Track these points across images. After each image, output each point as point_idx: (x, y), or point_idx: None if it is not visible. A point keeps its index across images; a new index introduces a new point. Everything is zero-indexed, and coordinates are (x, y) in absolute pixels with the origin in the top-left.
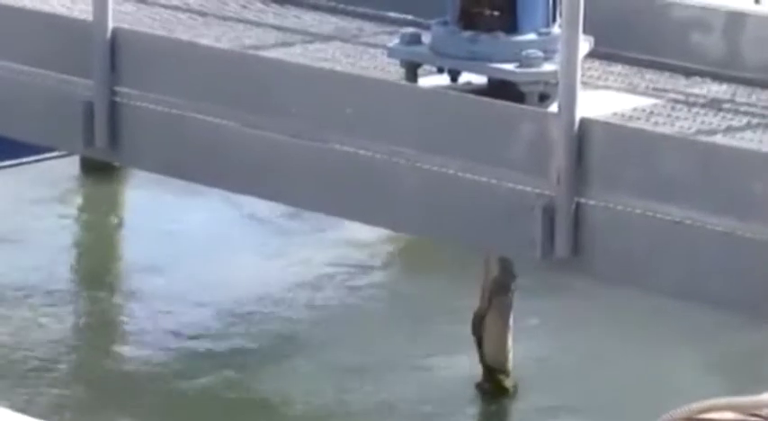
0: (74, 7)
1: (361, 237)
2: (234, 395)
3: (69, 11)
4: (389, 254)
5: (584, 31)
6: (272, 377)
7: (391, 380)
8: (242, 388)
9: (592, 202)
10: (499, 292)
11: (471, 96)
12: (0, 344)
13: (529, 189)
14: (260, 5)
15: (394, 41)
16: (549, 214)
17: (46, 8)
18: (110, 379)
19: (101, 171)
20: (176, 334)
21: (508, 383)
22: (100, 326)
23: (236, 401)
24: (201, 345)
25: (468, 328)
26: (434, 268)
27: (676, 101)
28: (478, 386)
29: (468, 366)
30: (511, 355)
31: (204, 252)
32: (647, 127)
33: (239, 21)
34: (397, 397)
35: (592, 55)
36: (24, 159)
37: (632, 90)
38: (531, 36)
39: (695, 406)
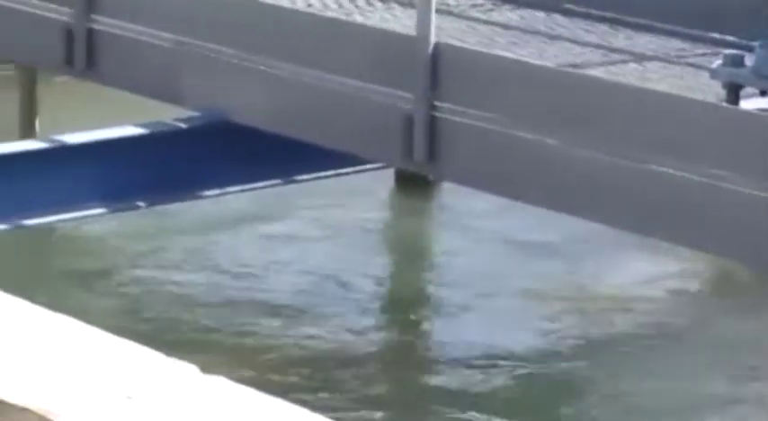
0: (396, 22)
1: None
2: None
3: (391, 26)
4: None
5: None
6: None
7: None
8: None
9: None
10: None
11: None
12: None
13: None
14: (584, 25)
15: (717, 63)
16: None
17: (369, 22)
18: None
19: (415, 185)
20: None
21: None
22: None
23: None
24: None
25: None
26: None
27: None
28: None
29: None
30: None
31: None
32: None
33: (560, 39)
34: None
35: None
36: (342, 170)
37: None
38: None
39: None
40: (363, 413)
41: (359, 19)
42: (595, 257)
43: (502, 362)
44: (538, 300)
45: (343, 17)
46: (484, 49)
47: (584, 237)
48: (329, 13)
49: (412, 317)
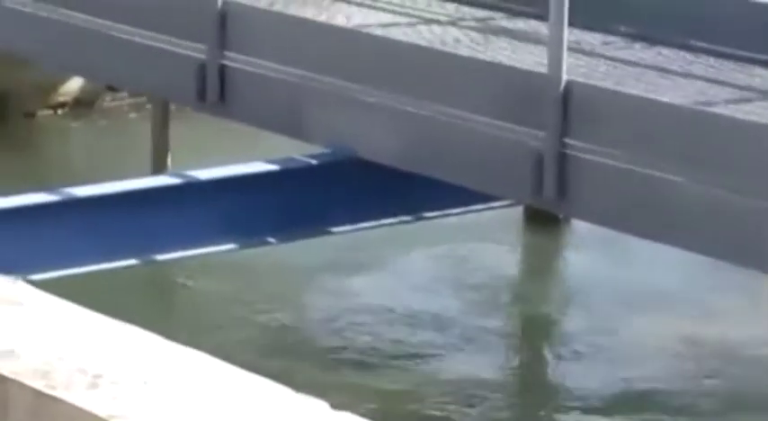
0: (524, 59)
1: None
2: None
3: (521, 63)
4: None
5: None
6: None
7: None
8: None
9: None
10: None
11: None
12: None
13: None
14: (713, 62)
15: None
16: None
17: (500, 59)
18: None
19: (544, 222)
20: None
21: None
22: None
23: None
24: None
25: None
26: None
27: None
28: None
29: None
30: None
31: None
32: None
33: (691, 76)
34: None
35: None
36: (471, 207)
37: None
38: None
39: None
40: None
41: (489, 56)
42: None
43: None
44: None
45: (474, 54)
46: (615, 87)
47: (735, 283)
48: (461, 50)
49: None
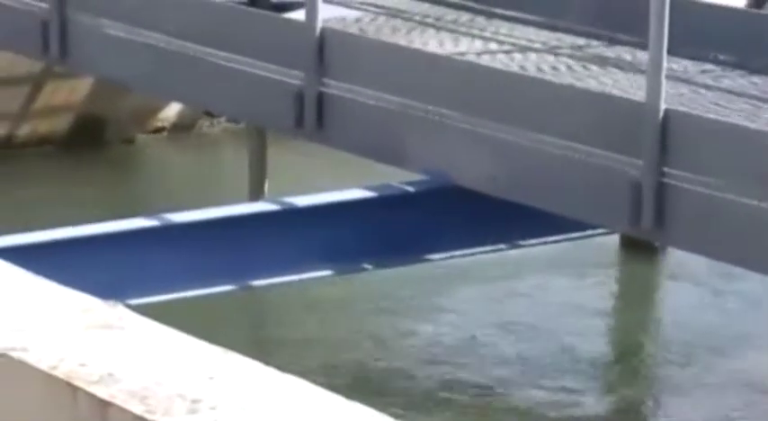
0: (622, 87)
1: None
2: None
3: (618, 91)
4: None
5: None
6: None
7: None
8: None
9: None
10: None
11: None
12: None
13: None
14: None
15: None
16: None
17: (597, 87)
18: None
19: (640, 249)
20: None
21: None
22: None
23: None
24: None
25: None
26: None
27: None
28: None
29: None
30: None
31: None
32: None
33: None
34: None
35: None
36: (567, 236)
37: None
38: None
39: None
40: None
41: (586, 83)
42: None
43: None
44: None
45: (571, 82)
46: (714, 116)
47: None
48: (557, 78)
49: None
